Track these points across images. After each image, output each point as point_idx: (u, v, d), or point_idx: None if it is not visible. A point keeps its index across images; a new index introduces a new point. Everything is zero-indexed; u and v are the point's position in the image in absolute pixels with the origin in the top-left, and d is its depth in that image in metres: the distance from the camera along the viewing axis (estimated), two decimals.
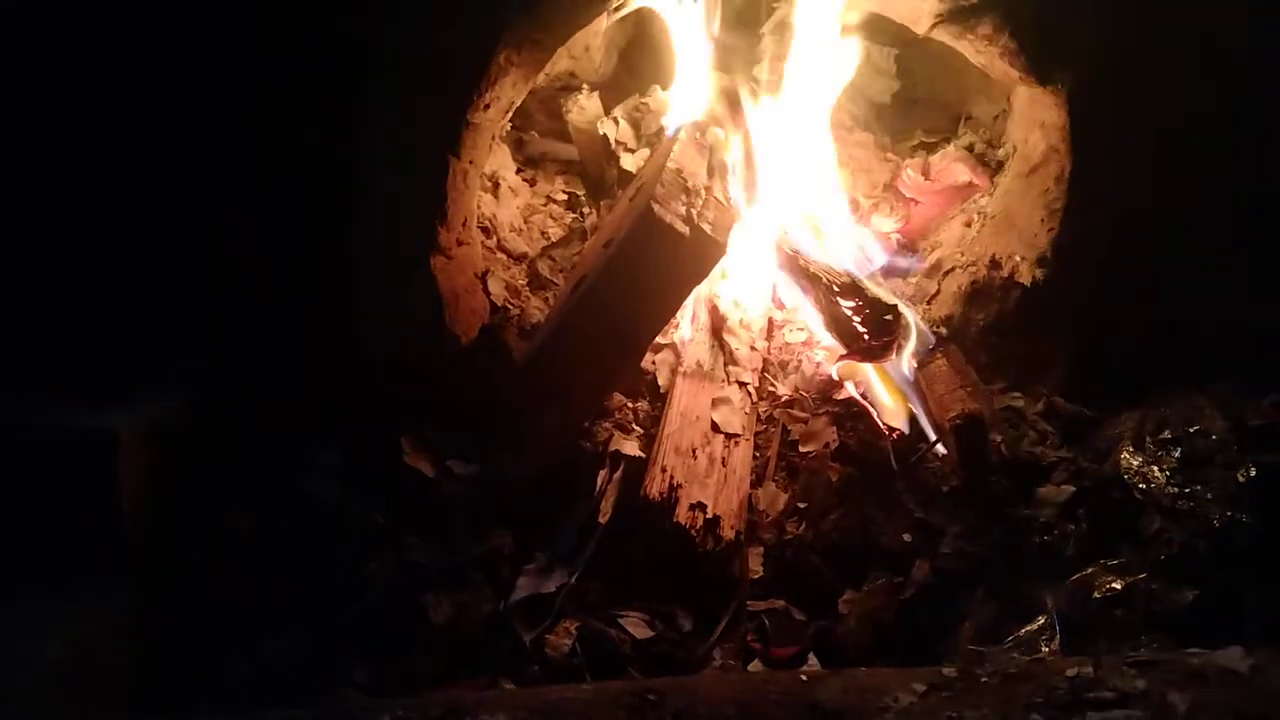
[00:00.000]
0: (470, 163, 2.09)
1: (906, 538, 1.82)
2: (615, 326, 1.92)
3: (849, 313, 1.99)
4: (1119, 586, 1.62)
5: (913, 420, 1.99)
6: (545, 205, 2.56)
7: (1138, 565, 1.66)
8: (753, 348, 2.20)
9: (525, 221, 2.49)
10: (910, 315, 2.09)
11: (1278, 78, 1.96)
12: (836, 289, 2.03)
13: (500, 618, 1.72)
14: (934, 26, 2.08)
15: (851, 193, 2.53)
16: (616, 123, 2.60)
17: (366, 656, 1.67)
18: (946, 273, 2.34)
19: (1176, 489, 1.76)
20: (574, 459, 1.98)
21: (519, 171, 2.58)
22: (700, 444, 1.93)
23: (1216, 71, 1.97)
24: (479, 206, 2.27)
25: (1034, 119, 2.19)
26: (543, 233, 2.50)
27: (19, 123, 2.00)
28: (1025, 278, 2.14)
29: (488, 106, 2.04)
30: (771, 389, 2.17)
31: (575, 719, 1.26)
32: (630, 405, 2.10)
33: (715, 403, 2.03)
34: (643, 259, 1.86)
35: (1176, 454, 1.82)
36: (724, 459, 1.93)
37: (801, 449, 2.02)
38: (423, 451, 1.99)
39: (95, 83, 2.00)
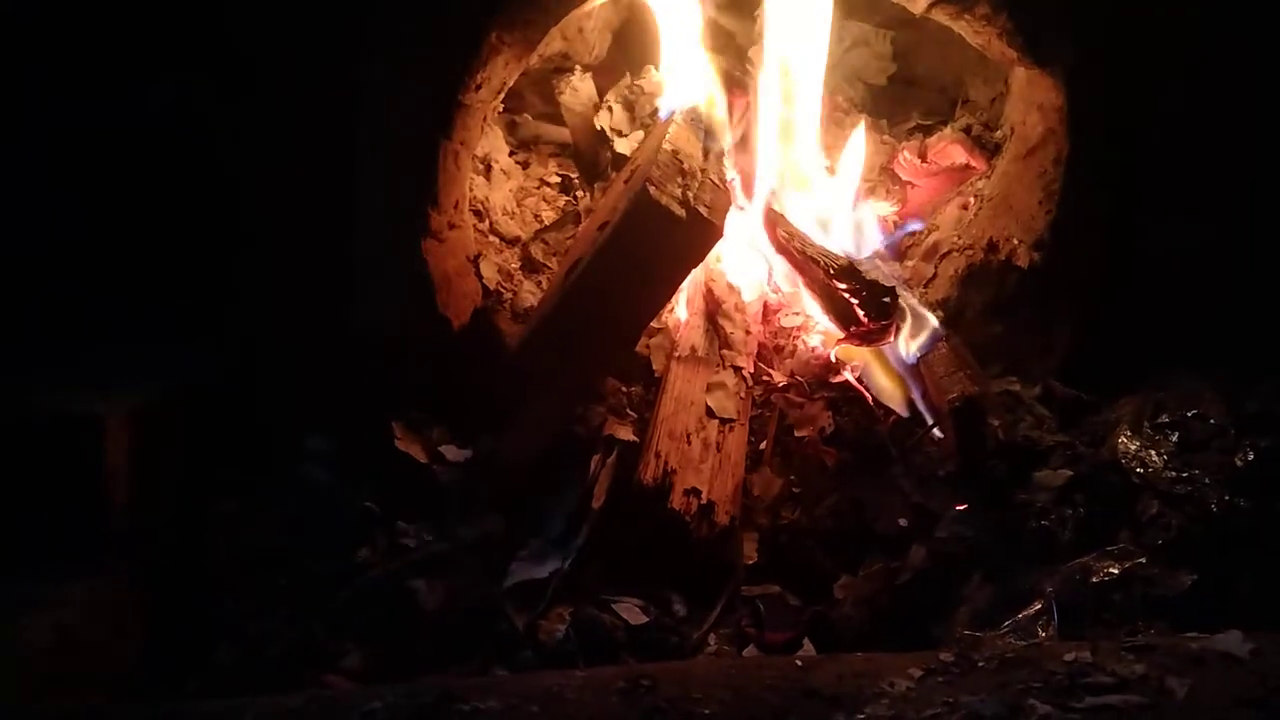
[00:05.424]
0: (461, 144, 2.07)
1: (902, 522, 1.81)
2: (610, 310, 1.91)
3: (847, 295, 1.98)
4: (1116, 571, 1.61)
5: (910, 404, 1.97)
6: (538, 188, 2.54)
7: (1135, 550, 1.65)
8: (748, 332, 2.18)
9: (518, 204, 2.46)
10: (912, 300, 2.08)
11: (1278, 58, 1.95)
12: (833, 271, 2.01)
13: (493, 603, 1.71)
14: (931, 7, 2.06)
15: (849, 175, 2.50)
16: (610, 111, 2.57)
17: (357, 642, 1.66)
18: (943, 256, 2.32)
19: (1174, 473, 1.75)
20: (567, 444, 1.96)
21: (512, 154, 2.55)
22: (695, 429, 1.92)
23: (1216, 52, 1.95)
24: (471, 189, 2.25)
25: (1032, 100, 2.17)
26: (536, 216, 2.47)
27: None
28: (1023, 261, 2.13)
29: (479, 87, 2.02)
30: (767, 374, 2.15)
31: (568, 705, 1.25)
32: (624, 390, 2.08)
33: (710, 387, 2.01)
34: (638, 242, 1.84)
35: (1174, 438, 1.80)
36: (719, 444, 1.92)
37: (797, 433, 2.01)
38: (414, 436, 1.97)
39: (89, 69, 1.99)
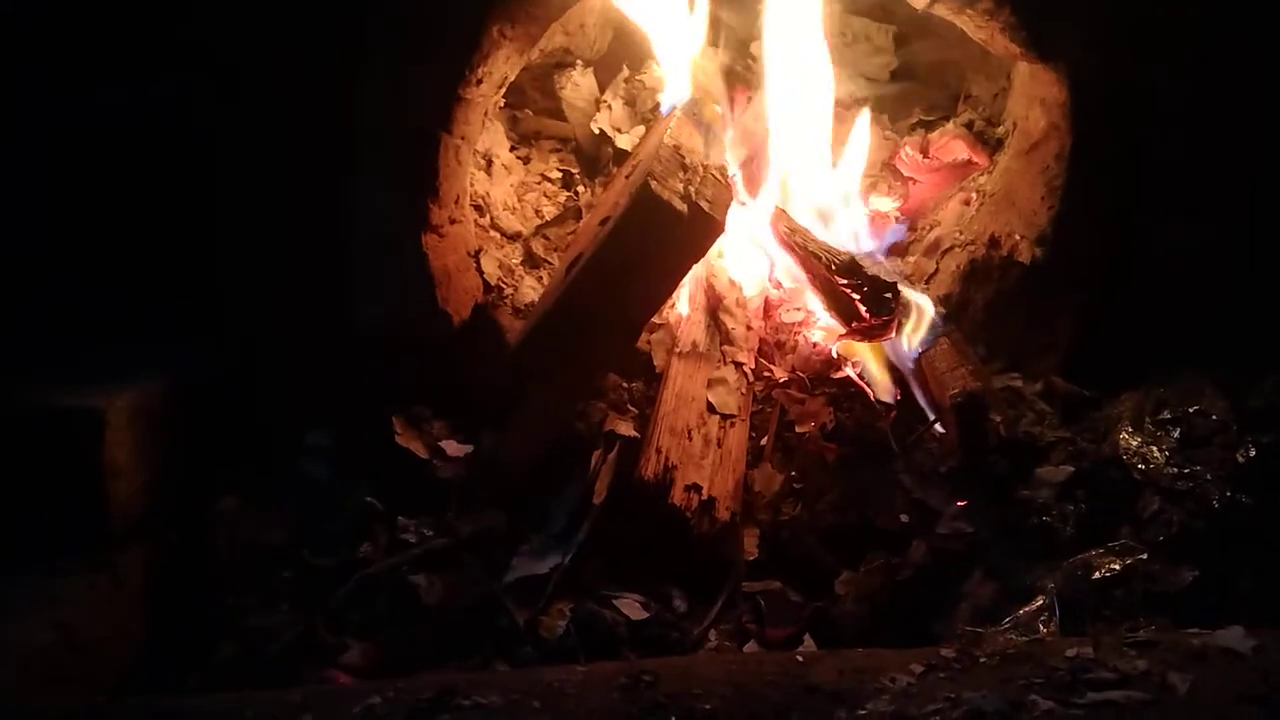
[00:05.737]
0: (463, 139, 2.07)
1: (904, 518, 1.81)
2: (611, 306, 1.90)
3: (848, 291, 1.97)
4: (1118, 567, 1.61)
5: (904, 396, 1.97)
6: (539, 183, 2.53)
7: (1137, 546, 1.64)
8: (749, 327, 2.17)
9: (519, 200, 2.46)
10: (915, 295, 2.07)
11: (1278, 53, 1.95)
12: (835, 267, 2.01)
13: (493, 599, 1.71)
14: (934, 2, 2.05)
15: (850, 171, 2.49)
16: (609, 109, 2.57)
17: (358, 637, 1.66)
18: (945, 251, 2.32)
19: (1176, 469, 1.75)
20: (568, 440, 1.96)
21: (513, 149, 2.55)
22: (696, 425, 1.91)
23: (1218, 51, 1.95)
24: (472, 184, 2.25)
25: (1034, 96, 2.17)
26: (537, 211, 2.47)
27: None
28: (1025, 256, 2.12)
29: (480, 81, 2.01)
30: (768, 370, 2.15)
31: (569, 700, 1.25)
32: (625, 385, 2.07)
33: (711, 383, 2.01)
34: (639, 237, 1.83)
35: (1176, 434, 1.80)
36: (720, 440, 1.92)
37: (798, 429, 2.01)
38: (415, 432, 1.97)
39: (89, 69, 1.98)
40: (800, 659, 1.34)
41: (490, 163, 2.41)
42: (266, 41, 1.95)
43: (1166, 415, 1.83)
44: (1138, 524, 1.70)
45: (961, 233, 2.32)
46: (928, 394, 1.98)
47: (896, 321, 1.99)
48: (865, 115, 2.35)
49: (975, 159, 2.45)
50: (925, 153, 2.51)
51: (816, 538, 1.82)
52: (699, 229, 1.83)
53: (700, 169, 1.92)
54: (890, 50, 2.67)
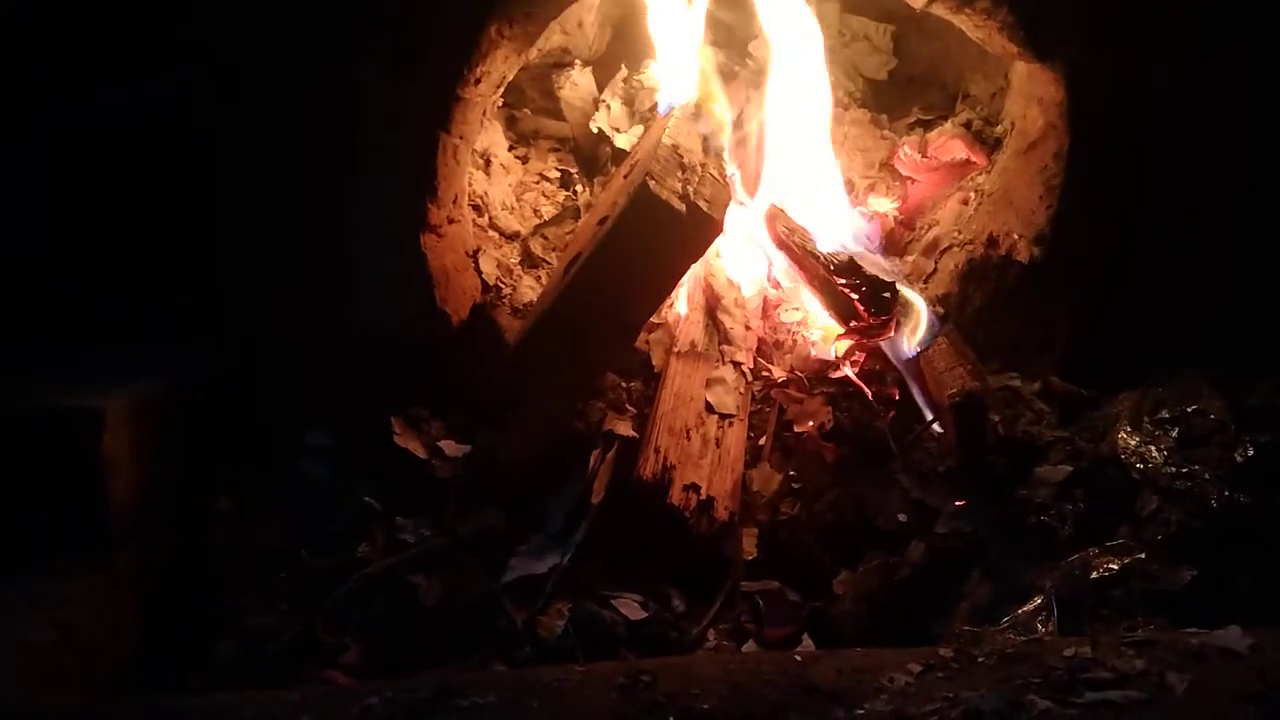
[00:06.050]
0: (461, 139, 2.07)
1: (902, 517, 1.81)
2: (610, 305, 1.90)
3: (847, 291, 1.97)
4: (1116, 566, 1.61)
5: (902, 395, 1.97)
6: (538, 183, 2.54)
7: (1135, 545, 1.64)
8: (748, 327, 2.18)
9: (517, 199, 2.46)
10: (912, 295, 2.07)
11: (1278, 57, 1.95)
12: (834, 267, 2.01)
13: (492, 599, 1.71)
14: (932, 1, 2.05)
15: (848, 171, 2.50)
16: (608, 108, 2.57)
17: (356, 637, 1.66)
18: (943, 251, 2.32)
19: (1174, 469, 1.75)
20: (567, 439, 1.96)
21: (511, 149, 2.55)
22: (694, 424, 1.92)
23: (1217, 50, 1.95)
24: (470, 184, 2.25)
25: (1032, 95, 2.17)
26: (535, 211, 2.47)
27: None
28: (1023, 256, 2.12)
29: (478, 81, 2.01)
30: (767, 369, 2.15)
31: (568, 700, 1.25)
32: (624, 385, 2.08)
33: (709, 383, 2.01)
34: (638, 237, 1.83)
35: (1174, 434, 1.80)
36: (718, 440, 1.92)
37: (796, 429, 2.01)
38: (413, 432, 1.97)
39: (89, 69, 1.98)
40: (798, 659, 1.34)
41: (489, 162, 2.41)
42: (266, 41, 1.96)
43: (1165, 415, 1.83)
44: (1136, 523, 1.70)
45: (960, 232, 2.32)
46: (926, 393, 1.98)
47: (895, 321, 1.99)
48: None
49: (973, 158, 2.45)
50: (923, 152, 2.51)
51: (815, 537, 1.83)
52: (697, 228, 1.83)
53: (698, 168, 1.92)
54: (889, 49, 2.67)
